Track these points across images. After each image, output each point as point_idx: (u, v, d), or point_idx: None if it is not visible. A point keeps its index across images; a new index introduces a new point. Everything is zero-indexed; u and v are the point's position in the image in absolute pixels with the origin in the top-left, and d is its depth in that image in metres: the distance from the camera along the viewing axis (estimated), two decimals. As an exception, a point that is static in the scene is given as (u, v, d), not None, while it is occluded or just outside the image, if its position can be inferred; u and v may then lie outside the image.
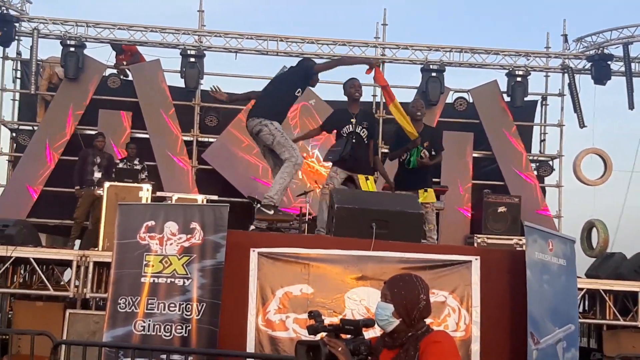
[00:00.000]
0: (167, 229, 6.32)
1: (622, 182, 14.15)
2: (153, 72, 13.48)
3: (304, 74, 7.64)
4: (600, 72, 13.86)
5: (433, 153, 8.35)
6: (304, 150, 12.97)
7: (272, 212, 7.26)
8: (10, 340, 7.96)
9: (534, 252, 6.50)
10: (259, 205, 7.37)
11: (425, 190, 8.20)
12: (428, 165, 8.29)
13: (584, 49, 14.34)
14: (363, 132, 7.98)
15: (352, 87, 8.11)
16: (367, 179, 7.93)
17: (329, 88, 12.88)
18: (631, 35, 13.89)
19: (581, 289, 9.43)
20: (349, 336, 3.61)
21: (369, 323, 3.69)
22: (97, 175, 11.34)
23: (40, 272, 9.51)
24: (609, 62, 13.94)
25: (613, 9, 25.73)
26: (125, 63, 13.72)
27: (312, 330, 3.67)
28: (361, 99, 8.47)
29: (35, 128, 13.26)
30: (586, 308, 10.35)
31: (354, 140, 7.88)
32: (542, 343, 6.26)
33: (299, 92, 7.57)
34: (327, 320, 3.71)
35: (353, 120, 7.98)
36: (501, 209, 12.10)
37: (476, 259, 6.55)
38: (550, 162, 14.28)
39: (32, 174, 12.73)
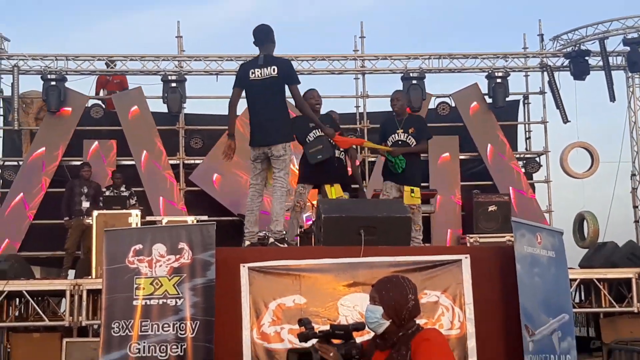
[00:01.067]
0: (156, 251, 6.32)
1: (609, 173, 14.28)
2: (135, 99, 13.53)
3: (286, 81, 7.29)
4: (579, 68, 13.99)
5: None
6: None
7: (285, 245, 7.23)
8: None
9: (522, 246, 6.53)
10: (271, 240, 7.25)
11: (412, 191, 8.18)
12: (412, 153, 8.28)
13: (561, 47, 14.50)
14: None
15: (312, 97, 8.15)
16: (332, 186, 8.00)
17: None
18: (606, 30, 14.10)
19: (575, 280, 9.48)
20: (340, 341, 3.63)
21: (359, 327, 3.72)
22: (86, 204, 11.35)
23: (34, 304, 9.50)
24: (587, 58, 14.07)
25: (587, 5, 25.93)
26: (107, 92, 13.77)
27: (302, 337, 3.69)
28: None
29: (21, 163, 13.24)
30: (582, 298, 10.40)
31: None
32: (537, 334, 6.27)
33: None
34: (320, 328, 3.73)
35: (312, 125, 8.01)
36: (491, 208, 12.16)
37: (466, 257, 6.57)
38: (537, 159, 14.36)
39: (28, 198, 12.78)
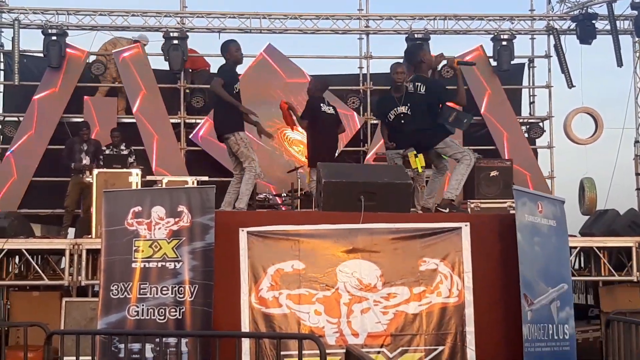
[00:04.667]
0: (155, 214, 6.32)
1: (613, 140, 14.17)
2: (137, 56, 13.39)
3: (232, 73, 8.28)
4: (585, 31, 13.79)
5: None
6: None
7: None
8: (8, 331, 7.98)
9: (523, 215, 6.51)
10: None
11: (416, 155, 7.75)
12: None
13: (568, 10, 14.27)
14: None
15: (395, 73, 8.88)
16: (416, 155, 7.73)
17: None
18: (615, -7, 13.86)
19: (575, 248, 9.47)
20: None
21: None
22: (85, 162, 11.26)
23: (33, 262, 9.50)
24: (594, 22, 13.86)
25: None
26: (190, 70, 13.69)
27: None
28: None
29: (21, 119, 13.12)
30: (582, 265, 10.40)
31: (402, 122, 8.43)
32: (536, 304, 6.29)
33: (237, 87, 8.16)
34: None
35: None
36: (493, 173, 12.06)
37: (466, 225, 6.57)
38: (541, 124, 14.23)
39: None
